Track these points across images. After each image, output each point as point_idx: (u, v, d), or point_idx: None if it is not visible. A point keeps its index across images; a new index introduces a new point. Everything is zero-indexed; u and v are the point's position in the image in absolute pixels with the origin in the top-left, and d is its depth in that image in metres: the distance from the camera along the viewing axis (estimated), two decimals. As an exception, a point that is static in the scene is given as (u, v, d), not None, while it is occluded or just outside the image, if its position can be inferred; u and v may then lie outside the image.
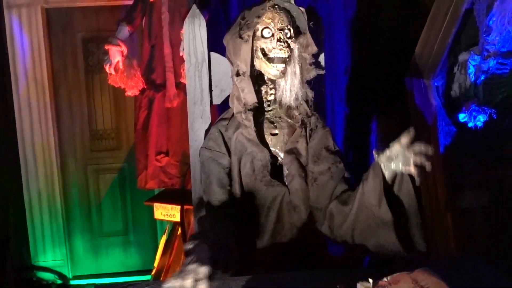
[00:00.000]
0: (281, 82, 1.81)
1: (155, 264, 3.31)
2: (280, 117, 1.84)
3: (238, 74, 1.80)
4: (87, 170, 4.34)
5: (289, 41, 1.77)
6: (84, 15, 4.22)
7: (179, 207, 3.09)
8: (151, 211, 3.62)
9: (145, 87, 3.12)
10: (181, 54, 2.84)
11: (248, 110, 1.79)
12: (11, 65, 4.14)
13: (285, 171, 1.80)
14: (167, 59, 3.02)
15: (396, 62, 3.29)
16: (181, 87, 3.01)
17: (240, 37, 1.76)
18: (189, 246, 1.43)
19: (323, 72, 1.95)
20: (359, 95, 3.52)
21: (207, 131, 2.01)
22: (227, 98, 2.00)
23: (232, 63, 1.83)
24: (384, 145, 1.65)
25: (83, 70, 4.27)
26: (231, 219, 1.70)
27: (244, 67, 1.78)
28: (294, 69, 1.79)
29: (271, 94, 1.84)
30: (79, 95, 4.28)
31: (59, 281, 4.18)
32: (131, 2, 3.48)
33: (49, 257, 4.24)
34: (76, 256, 4.36)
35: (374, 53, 3.44)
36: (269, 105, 1.85)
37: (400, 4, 3.48)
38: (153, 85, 3.12)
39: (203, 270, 1.26)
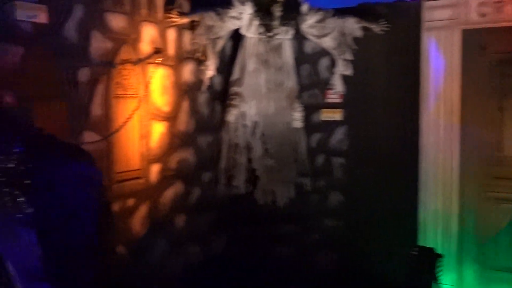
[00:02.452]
0: None
1: None
2: None
3: None
4: (487, 197, 4.14)
5: None
6: (501, 36, 4.04)
7: None
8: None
9: None
10: None
11: None
12: (422, 84, 4.27)
13: None
14: None
15: None
16: None
17: None
18: None
19: None
20: None
21: None
22: None
23: None
24: None
25: (496, 93, 4.09)
26: None
27: None
28: None
29: None
30: (489, 119, 4.10)
31: (447, 305, 4.06)
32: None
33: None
34: (465, 285, 4.18)
35: None
36: None
37: None
38: None
39: None
